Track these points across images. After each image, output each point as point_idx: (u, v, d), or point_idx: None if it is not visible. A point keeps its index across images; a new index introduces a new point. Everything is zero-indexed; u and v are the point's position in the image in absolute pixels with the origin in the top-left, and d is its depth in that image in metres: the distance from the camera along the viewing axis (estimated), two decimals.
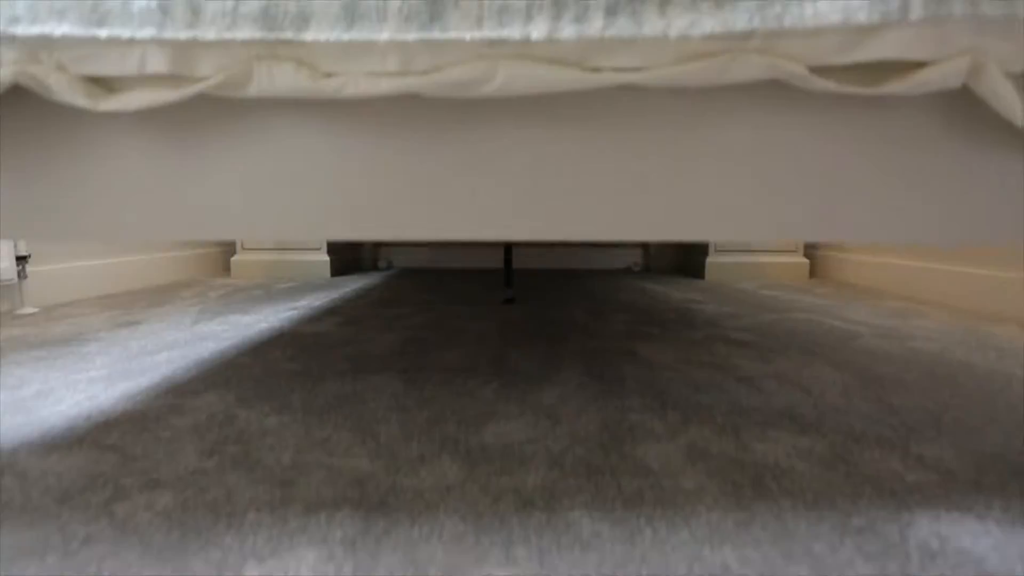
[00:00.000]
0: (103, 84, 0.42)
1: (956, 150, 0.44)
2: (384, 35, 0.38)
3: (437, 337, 0.96)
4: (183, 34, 0.38)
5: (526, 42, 0.38)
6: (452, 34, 0.38)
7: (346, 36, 0.38)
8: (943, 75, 0.40)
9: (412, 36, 0.38)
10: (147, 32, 0.38)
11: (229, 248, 2.23)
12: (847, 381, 0.70)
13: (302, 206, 0.45)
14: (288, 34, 0.38)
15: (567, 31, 0.38)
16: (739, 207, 0.44)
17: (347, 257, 2.35)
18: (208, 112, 0.43)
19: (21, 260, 1.24)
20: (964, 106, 0.43)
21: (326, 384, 0.68)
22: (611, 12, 0.38)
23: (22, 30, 0.38)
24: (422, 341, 0.93)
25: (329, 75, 0.41)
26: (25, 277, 1.24)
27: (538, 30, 0.38)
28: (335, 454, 0.49)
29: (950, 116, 0.43)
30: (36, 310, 1.21)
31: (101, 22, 0.39)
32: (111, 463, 0.47)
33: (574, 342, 0.91)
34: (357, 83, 0.40)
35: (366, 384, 0.69)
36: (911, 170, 0.43)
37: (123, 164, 0.45)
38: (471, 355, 0.83)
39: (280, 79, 0.40)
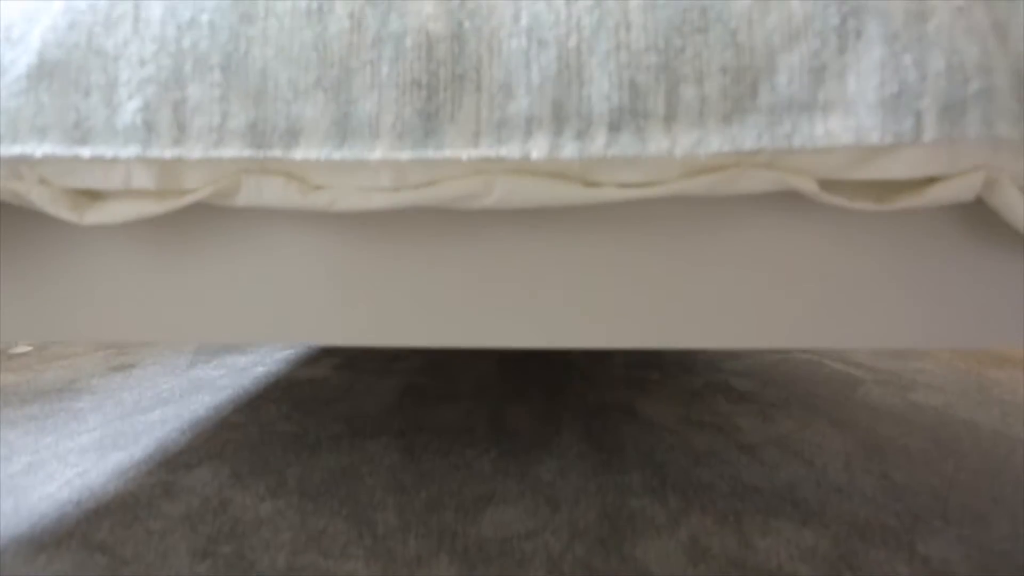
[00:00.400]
0: (89, 192, 0.41)
1: (969, 254, 0.42)
2: (377, 153, 0.37)
3: (435, 384, 0.94)
4: (168, 152, 0.37)
5: (526, 160, 0.37)
6: (448, 152, 0.37)
7: (337, 155, 0.37)
8: (956, 191, 0.39)
9: (406, 155, 0.37)
10: (132, 150, 0.37)
11: None
12: (849, 449, 0.69)
13: (295, 312, 0.43)
14: (277, 152, 0.37)
15: (568, 149, 0.37)
16: (747, 314, 0.42)
17: None
18: (199, 217, 0.42)
19: None
20: (977, 212, 0.41)
21: (322, 455, 0.67)
22: (614, 128, 0.37)
23: (3, 150, 0.37)
24: (420, 391, 0.91)
25: (319, 187, 0.39)
26: None
27: (538, 148, 0.37)
28: (331, 555, 0.48)
29: (963, 221, 0.42)
30: (29, 348, 1.20)
31: (84, 139, 0.37)
32: (100, 567, 0.46)
33: (573, 394, 0.90)
34: (348, 198, 0.39)
35: (363, 454, 0.68)
36: (923, 275, 0.42)
37: (114, 267, 0.43)
38: (469, 411, 0.82)
39: (269, 192, 0.39)
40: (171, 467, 0.64)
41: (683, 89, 0.37)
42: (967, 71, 0.36)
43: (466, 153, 0.37)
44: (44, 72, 0.37)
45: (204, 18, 0.38)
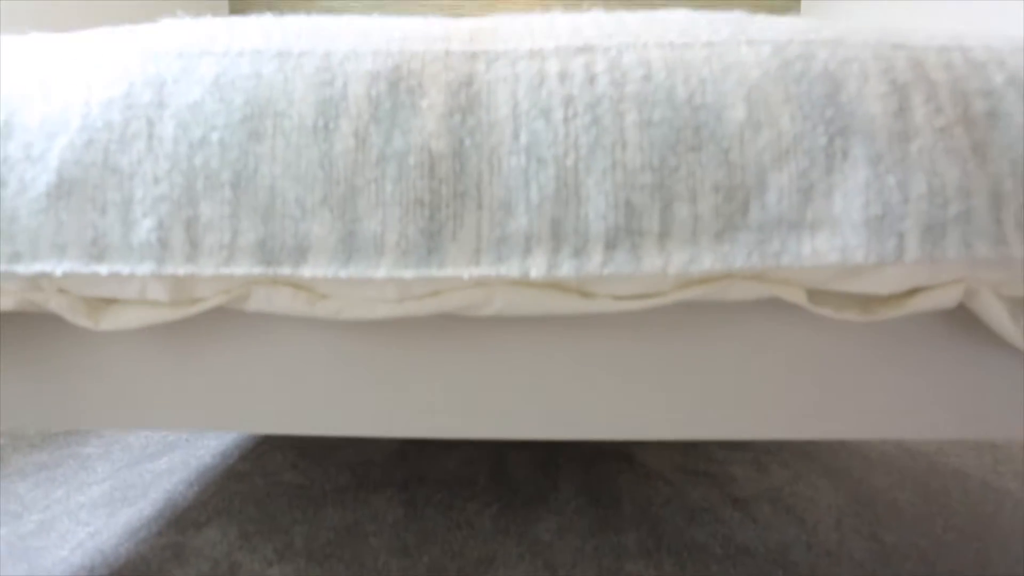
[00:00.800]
0: (104, 297, 0.42)
1: (953, 350, 0.44)
2: (381, 271, 0.38)
3: None
4: (182, 269, 0.39)
5: (525, 277, 0.39)
6: (450, 271, 0.39)
7: (343, 272, 0.39)
8: (938, 301, 0.40)
9: (409, 273, 0.38)
10: (146, 267, 0.38)
11: None
12: (840, 504, 0.71)
13: (302, 404, 0.45)
14: (286, 269, 0.39)
15: (565, 268, 0.38)
16: (740, 407, 0.44)
17: None
18: (209, 314, 0.44)
19: None
20: (963, 311, 0.43)
21: (327, 510, 0.69)
22: (610, 246, 0.38)
23: (24, 268, 0.39)
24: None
25: (326, 296, 0.41)
26: None
27: (536, 267, 0.38)
28: None
29: (949, 319, 0.43)
30: None
31: (101, 256, 0.39)
32: None
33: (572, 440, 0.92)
34: (354, 308, 0.41)
35: (367, 510, 0.69)
36: (913, 369, 0.44)
37: (125, 358, 0.45)
38: (470, 460, 0.84)
39: (278, 302, 0.41)
40: (180, 526, 0.66)
41: (677, 207, 0.39)
42: (947, 193, 0.38)
43: (468, 272, 0.38)
44: (63, 191, 0.39)
45: (214, 136, 0.39)
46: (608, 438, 0.45)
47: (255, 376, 0.45)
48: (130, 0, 1.69)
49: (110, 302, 0.42)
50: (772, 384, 0.44)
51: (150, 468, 0.80)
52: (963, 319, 0.43)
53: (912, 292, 0.41)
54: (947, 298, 0.40)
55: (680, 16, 0.46)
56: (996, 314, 0.41)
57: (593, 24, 0.45)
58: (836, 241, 0.38)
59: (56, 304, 0.41)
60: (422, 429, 0.45)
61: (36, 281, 0.40)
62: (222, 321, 0.44)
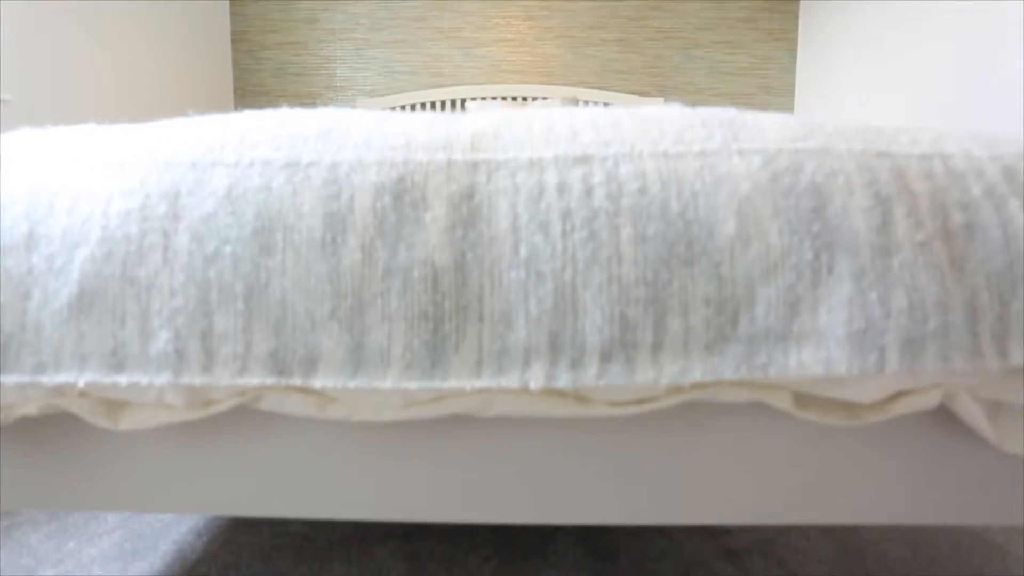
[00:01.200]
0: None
1: (937, 442, 0.46)
2: (388, 383, 0.40)
3: None
4: (198, 380, 0.41)
5: (524, 388, 0.41)
6: (453, 382, 0.40)
7: (352, 383, 0.40)
8: (919, 404, 0.43)
9: (414, 385, 0.40)
10: (164, 378, 0.40)
11: None
12: (832, 558, 0.73)
13: (314, 490, 0.47)
14: (297, 380, 0.41)
15: (563, 379, 0.40)
16: (729, 495, 0.46)
17: None
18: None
19: None
20: (944, 409, 0.45)
21: (333, 565, 0.71)
22: (605, 358, 0.40)
23: (48, 379, 0.40)
24: None
25: (335, 400, 0.43)
26: None
27: (535, 379, 0.40)
28: None
29: (931, 415, 0.45)
30: None
31: (120, 367, 0.41)
32: None
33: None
34: (363, 412, 0.43)
35: (372, 564, 0.71)
36: (895, 460, 0.46)
37: (140, 448, 0.47)
38: None
39: (289, 406, 0.43)
40: None
41: (669, 320, 0.40)
42: (926, 308, 0.40)
43: (470, 384, 0.40)
44: (84, 303, 0.41)
45: (227, 249, 0.41)
46: (602, 523, 0.47)
47: (266, 465, 0.47)
48: (137, 92, 1.70)
49: (128, 402, 0.44)
50: (760, 475, 0.46)
51: (159, 516, 0.82)
52: (942, 415, 0.45)
53: (894, 396, 0.43)
54: (928, 401, 0.42)
55: (674, 116, 0.48)
56: (973, 415, 0.43)
57: (591, 127, 0.46)
58: (820, 354, 0.40)
59: (77, 407, 0.43)
60: (427, 514, 0.47)
61: (59, 388, 0.42)
62: (235, 415, 0.46)
